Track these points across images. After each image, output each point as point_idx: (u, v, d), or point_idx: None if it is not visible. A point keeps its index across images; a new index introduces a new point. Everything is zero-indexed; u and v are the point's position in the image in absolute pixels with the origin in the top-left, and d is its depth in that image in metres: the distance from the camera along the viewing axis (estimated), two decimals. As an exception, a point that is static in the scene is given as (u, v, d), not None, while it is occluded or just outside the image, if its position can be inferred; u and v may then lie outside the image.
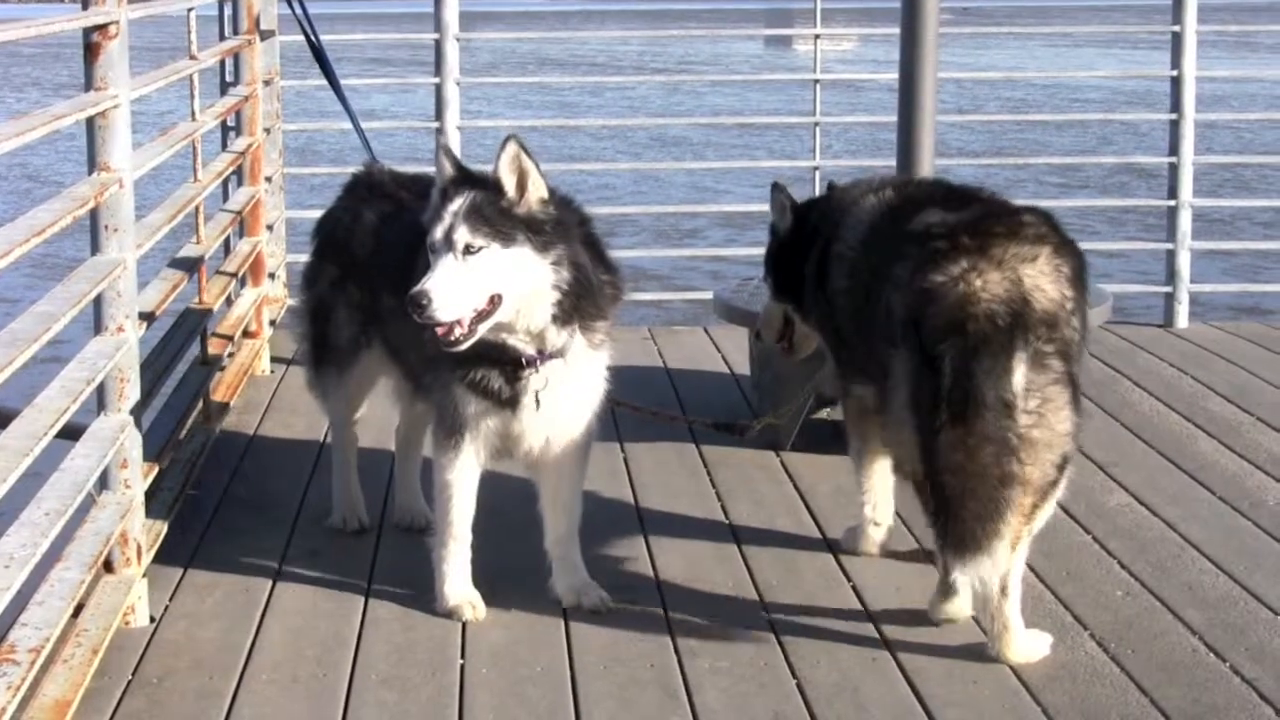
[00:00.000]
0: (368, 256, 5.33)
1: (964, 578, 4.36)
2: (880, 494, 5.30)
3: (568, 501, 4.94)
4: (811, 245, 5.31)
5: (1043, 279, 4.44)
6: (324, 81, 7.29)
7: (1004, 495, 4.34)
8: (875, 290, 4.80)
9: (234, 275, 7.27)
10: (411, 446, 5.68)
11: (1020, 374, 4.35)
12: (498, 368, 4.69)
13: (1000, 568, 4.36)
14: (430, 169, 7.76)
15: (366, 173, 5.68)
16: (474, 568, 4.93)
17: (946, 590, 4.77)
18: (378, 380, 5.57)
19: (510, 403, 4.73)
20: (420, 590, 4.99)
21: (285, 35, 8.23)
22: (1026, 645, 4.57)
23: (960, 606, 4.77)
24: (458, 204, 4.55)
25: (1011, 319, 4.36)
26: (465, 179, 4.65)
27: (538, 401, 4.71)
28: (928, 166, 6.53)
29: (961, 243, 4.49)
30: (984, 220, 4.59)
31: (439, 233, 4.53)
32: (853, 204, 5.17)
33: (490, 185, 4.59)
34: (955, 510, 4.31)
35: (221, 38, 7.86)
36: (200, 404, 6.42)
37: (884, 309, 4.70)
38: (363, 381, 5.55)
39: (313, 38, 7.37)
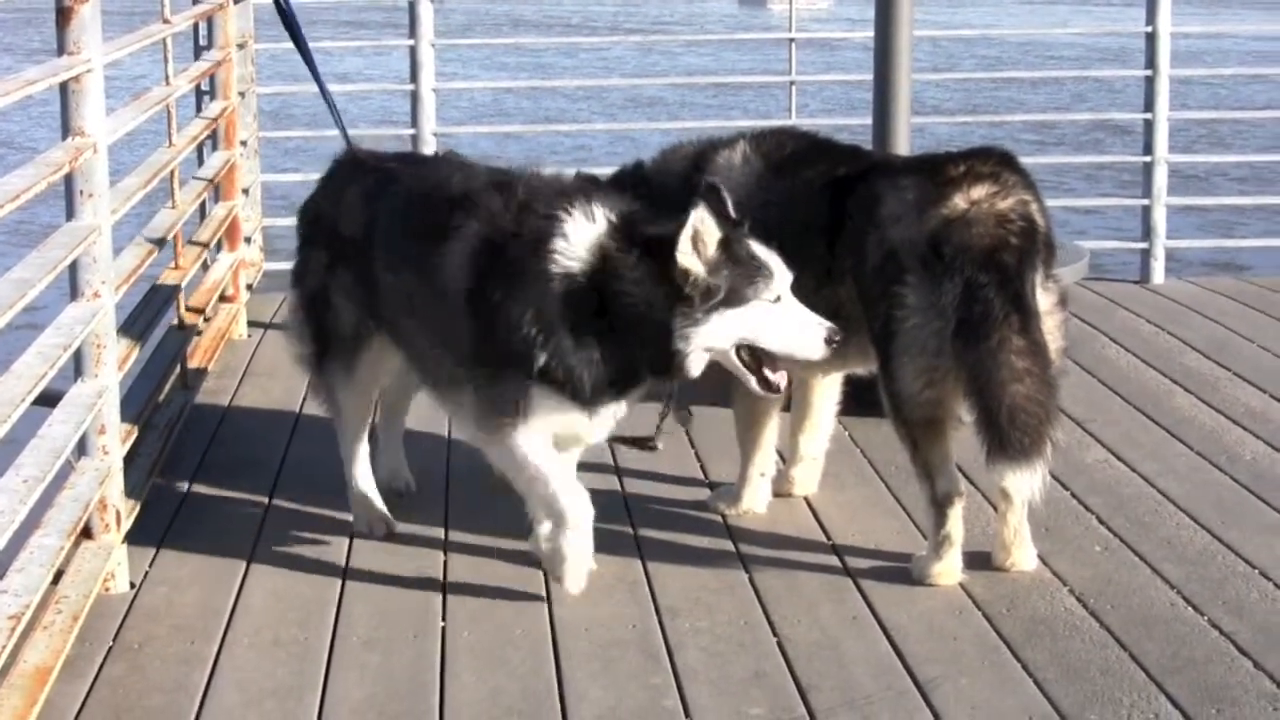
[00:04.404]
0: (364, 237, 5.05)
1: (1019, 485, 4.63)
2: (767, 443, 5.37)
3: None
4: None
5: (1036, 204, 4.74)
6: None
7: (1057, 401, 4.66)
8: (804, 237, 4.92)
9: (210, 240, 7.24)
10: (396, 413, 5.59)
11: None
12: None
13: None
14: (404, 130, 7.63)
15: (349, 156, 5.44)
16: (452, 532, 4.93)
17: (939, 549, 4.79)
18: (389, 369, 5.26)
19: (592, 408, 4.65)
20: (400, 555, 4.99)
21: (258, -2, 8.18)
22: (1033, 554, 4.90)
23: (951, 568, 4.79)
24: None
25: (1032, 237, 4.67)
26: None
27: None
28: (904, 124, 6.52)
29: (977, 169, 4.71)
30: (979, 153, 4.81)
31: (787, 277, 4.54)
32: (705, 164, 5.19)
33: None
34: (1023, 419, 4.54)
35: (194, 1, 7.82)
36: (177, 369, 6.40)
37: (855, 250, 4.82)
38: (375, 370, 5.22)
39: (285, 6, 7.32)
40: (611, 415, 4.66)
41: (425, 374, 5.00)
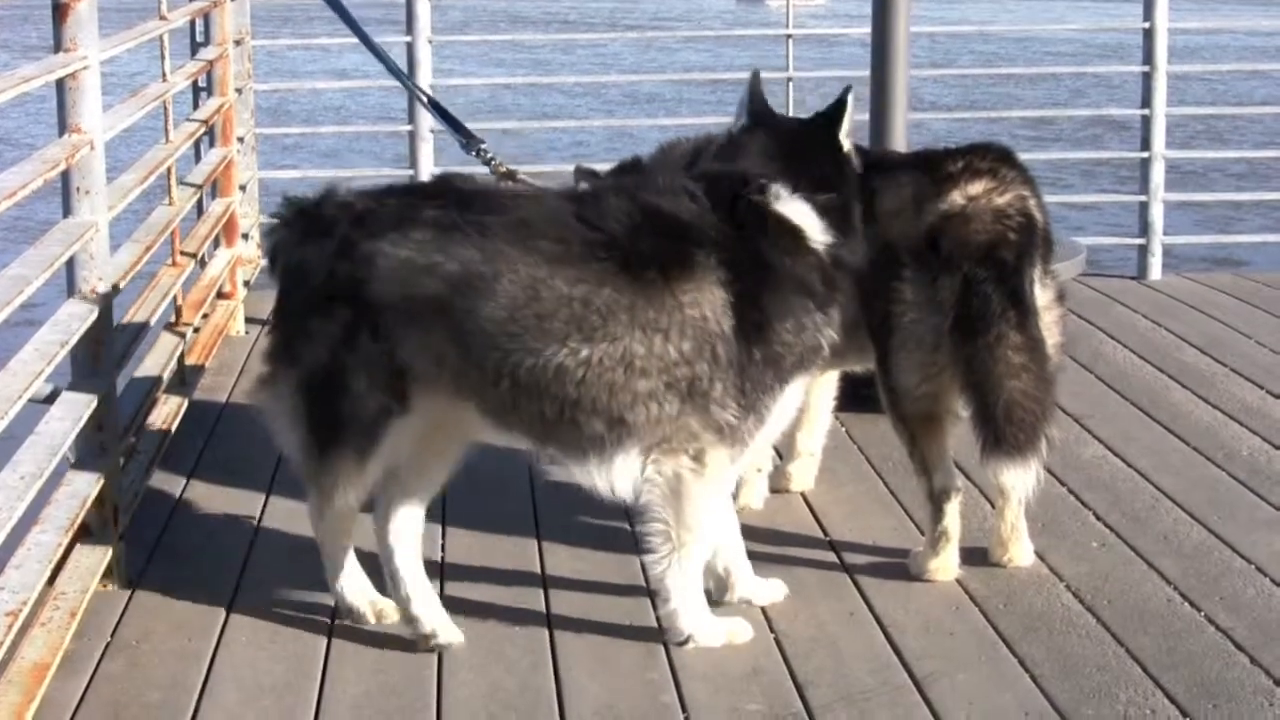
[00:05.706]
0: (440, 294, 4.11)
1: (1013, 481, 4.61)
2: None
3: None
4: None
5: (1035, 200, 4.75)
6: (295, 41, 7.25)
7: (1054, 397, 4.66)
8: None
9: (207, 236, 7.24)
10: (409, 531, 4.51)
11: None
12: None
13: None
14: (402, 126, 7.55)
15: (329, 197, 4.34)
16: (453, 528, 4.93)
17: (936, 544, 4.79)
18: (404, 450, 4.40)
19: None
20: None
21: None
22: (1030, 549, 4.88)
23: (947, 564, 4.79)
24: None
25: (1031, 233, 4.67)
26: None
27: None
28: (901, 120, 6.52)
29: (975, 165, 4.71)
30: (977, 148, 4.82)
31: None
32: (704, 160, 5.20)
33: None
34: (1019, 415, 4.54)
35: (191, -2, 7.82)
36: (175, 366, 6.40)
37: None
38: (394, 456, 4.37)
39: None
40: None
41: (576, 435, 4.24)
